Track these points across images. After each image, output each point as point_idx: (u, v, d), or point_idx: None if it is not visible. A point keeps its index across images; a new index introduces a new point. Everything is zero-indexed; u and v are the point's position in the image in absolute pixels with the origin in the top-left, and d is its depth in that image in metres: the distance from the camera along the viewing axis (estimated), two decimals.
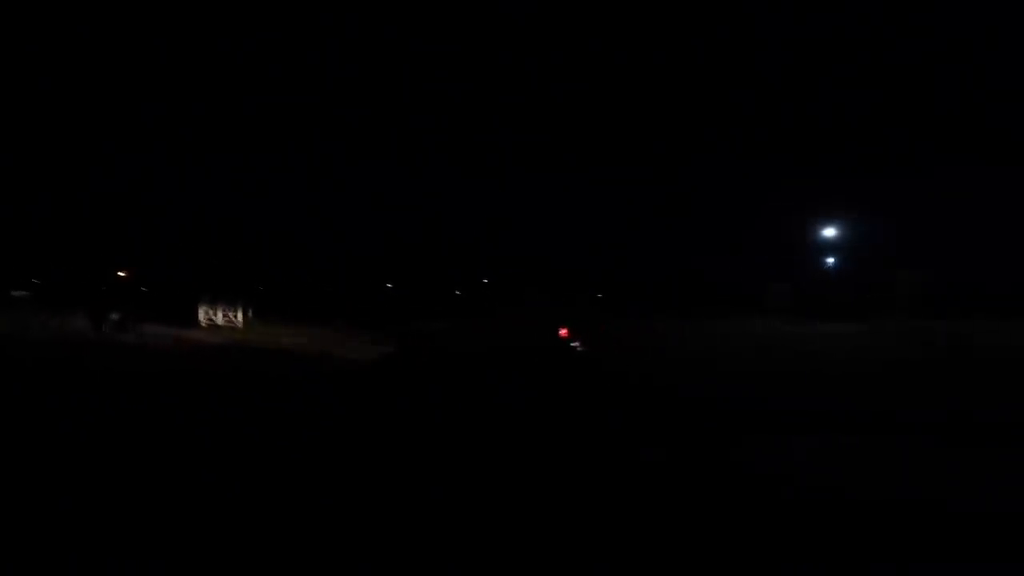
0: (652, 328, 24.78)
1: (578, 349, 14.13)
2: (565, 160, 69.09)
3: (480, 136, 72.03)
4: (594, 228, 72.09)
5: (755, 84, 61.58)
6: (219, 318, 23.42)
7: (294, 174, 68.06)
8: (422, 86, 64.01)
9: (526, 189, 72.27)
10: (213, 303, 23.93)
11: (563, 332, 14.10)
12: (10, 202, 44.75)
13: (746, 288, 39.69)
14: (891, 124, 56.24)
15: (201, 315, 23.53)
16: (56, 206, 47.63)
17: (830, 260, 38.05)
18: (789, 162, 55.34)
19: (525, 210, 68.09)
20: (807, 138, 60.05)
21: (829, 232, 37.68)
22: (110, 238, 46.83)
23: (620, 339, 19.73)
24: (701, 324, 26.45)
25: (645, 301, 38.06)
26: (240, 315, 23.88)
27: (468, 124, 69.30)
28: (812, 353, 15.16)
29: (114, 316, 18.03)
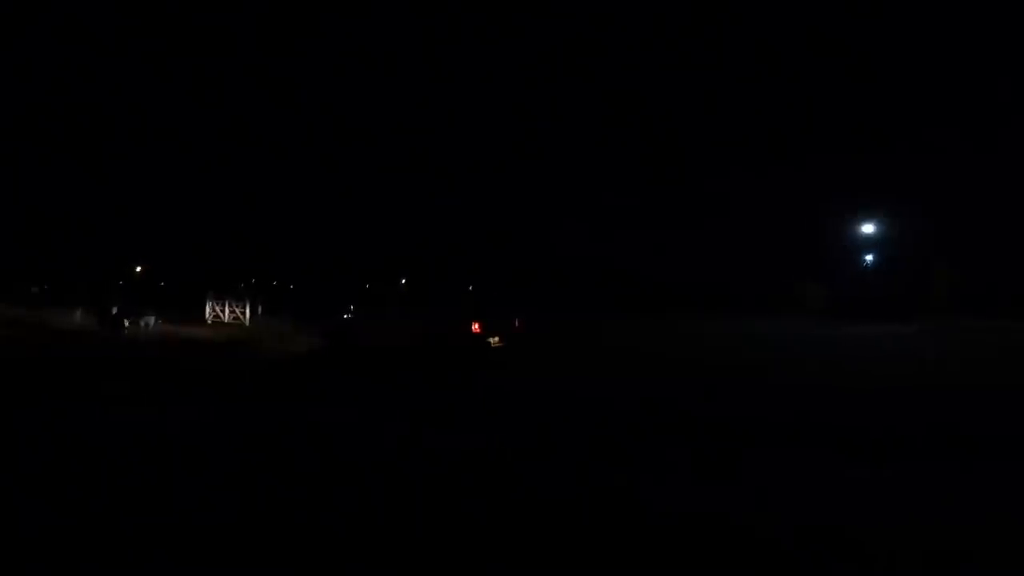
0: (675, 329, 23.62)
1: (493, 346, 12.46)
2: (592, 157, 67.84)
3: (499, 136, 71.17)
4: (620, 227, 70.51)
5: (784, 75, 59.60)
6: (226, 315, 22.96)
7: (316, 176, 68.06)
8: (430, 91, 63.36)
9: (549, 185, 71.21)
10: (220, 299, 23.48)
11: (475, 327, 12.25)
12: (33, 200, 45.21)
13: (775, 287, 38.00)
14: (925, 116, 53.88)
15: (208, 311, 23.14)
16: (77, 205, 48.10)
17: (865, 258, 36.32)
18: (818, 157, 53.32)
19: (551, 206, 67.06)
20: (838, 133, 57.96)
21: (862, 229, 35.97)
22: (130, 236, 47.03)
23: (637, 340, 18.68)
24: (725, 325, 25.14)
25: (670, 301, 36.68)
26: (247, 312, 23.37)
27: (481, 123, 68.39)
28: (844, 358, 13.81)
29: (113, 311, 17.65)
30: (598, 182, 70.08)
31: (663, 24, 58.26)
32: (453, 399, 8.22)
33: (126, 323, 17.39)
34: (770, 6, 59.29)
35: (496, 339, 12.46)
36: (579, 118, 65.85)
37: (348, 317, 14.28)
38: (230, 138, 64.20)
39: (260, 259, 47.19)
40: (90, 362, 10.81)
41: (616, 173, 67.26)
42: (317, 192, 73.34)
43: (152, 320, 18.70)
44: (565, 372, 11.21)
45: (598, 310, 32.99)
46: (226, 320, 22.80)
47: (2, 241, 44.46)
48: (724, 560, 3.17)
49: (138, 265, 41.57)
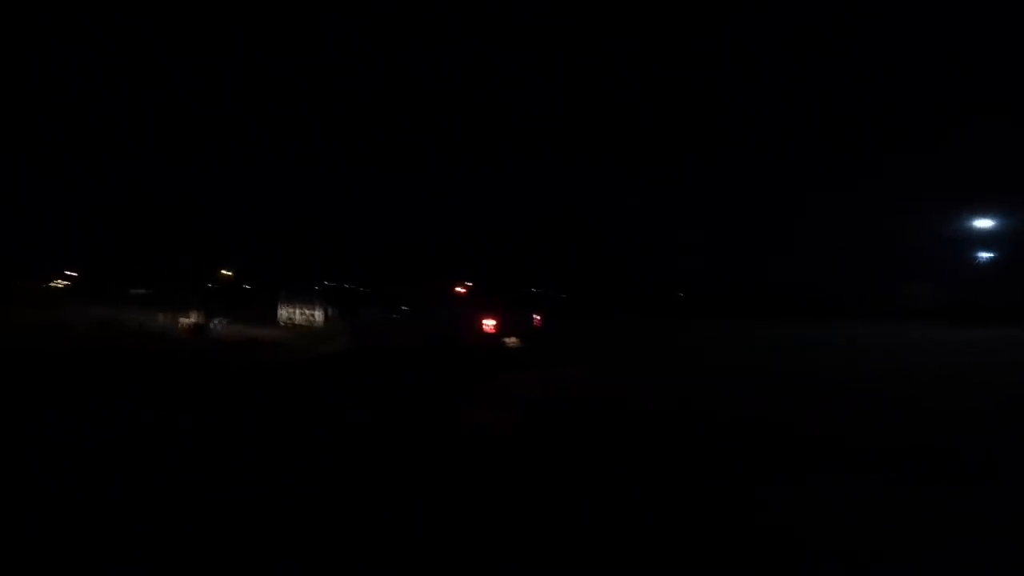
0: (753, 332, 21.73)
1: (508, 346, 11.13)
2: (672, 150, 65.53)
3: (569, 134, 70.15)
4: (712, 225, 67.55)
5: (888, 63, 54.82)
6: (297, 316, 23.28)
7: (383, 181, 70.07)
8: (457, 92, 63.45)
9: (627, 184, 69.58)
10: (292, 302, 23.84)
11: (489, 324, 10.75)
12: (133, 208, 48.70)
13: (880, 288, 34.52)
14: None
15: (282, 313, 23.59)
16: (173, 213, 51.46)
17: (977, 257, 32.43)
18: (923, 151, 48.51)
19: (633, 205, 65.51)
20: (944, 119, 52.60)
21: (978, 224, 32.12)
22: (224, 240, 49.73)
23: (709, 347, 17.27)
24: (831, 330, 22.87)
25: (768, 303, 33.90)
26: (319, 313, 23.59)
27: (544, 118, 67.74)
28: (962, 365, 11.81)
29: (193, 314, 18.18)
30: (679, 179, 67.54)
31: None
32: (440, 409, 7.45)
33: (212, 325, 17.79)
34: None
35: (513, 339, 11.27)
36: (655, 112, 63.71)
37: (364, 318, 13.82)
38: (323, 150, 67.19)
39: (334, 262, 48.57)
40: (150, 361, 11.01)
41: (707, 169, 64.59)
42: (382, 196, 75.35)
43: (223, 322, 19.13)
44: (597, 382, 9.94)
45: (677, 315, 31.18)
46: (298, 322, 23.12)
47: (111, 245, 47.99)
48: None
49: (225, 269, 43.77)
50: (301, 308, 23.47)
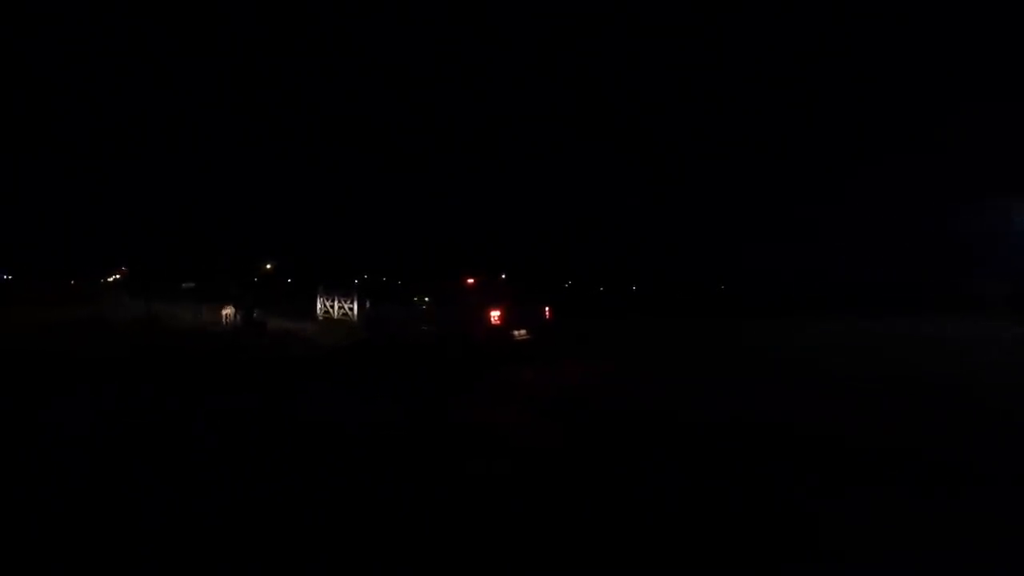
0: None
1: (516, 339, 10.54)
2: (679, 148, 63.52)
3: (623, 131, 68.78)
4: (770, 213, 65.06)
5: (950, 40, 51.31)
6: (335, 311, 23.08)
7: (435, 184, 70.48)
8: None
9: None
10: (331, 295, 23.65)
11: (495, 315, 10.26)
12: (186, 208, 50.25)
13: (951, 282, 32.21)
14: None
15: (319, 307, 23.48)
16: (217, 212, 52.92)
17: None
18: (999, 132, 45.01)
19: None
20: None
21: None
22: (269, 237, 50.77)
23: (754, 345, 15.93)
24: (889, 325, 21.20)
25: (833, 299, 31.81)
26: (355, 307, 23.35)
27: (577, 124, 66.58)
28: None
29: (228, 310, 18.15)
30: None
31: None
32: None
33: (251, 318, 17.59)
34: None
35: (522, 332, 10.77)
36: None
37: (380, 312, 13.75)
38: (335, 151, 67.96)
39: (372, 256, 48.94)
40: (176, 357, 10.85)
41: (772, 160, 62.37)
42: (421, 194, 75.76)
43: (261, 315, 19.03)
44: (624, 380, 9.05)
45: (727, 314, 29.62)
46: (335, 316, 22.94)
47: (163, 242, 49.66)
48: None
49: (267, 263, 44.53)
50: (338, 302, 23.27)
